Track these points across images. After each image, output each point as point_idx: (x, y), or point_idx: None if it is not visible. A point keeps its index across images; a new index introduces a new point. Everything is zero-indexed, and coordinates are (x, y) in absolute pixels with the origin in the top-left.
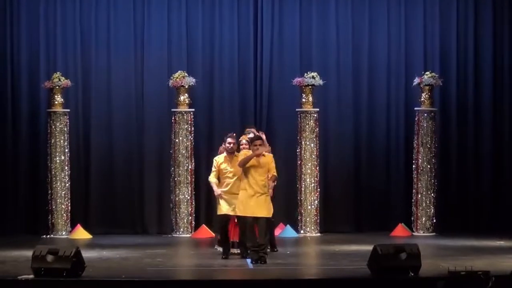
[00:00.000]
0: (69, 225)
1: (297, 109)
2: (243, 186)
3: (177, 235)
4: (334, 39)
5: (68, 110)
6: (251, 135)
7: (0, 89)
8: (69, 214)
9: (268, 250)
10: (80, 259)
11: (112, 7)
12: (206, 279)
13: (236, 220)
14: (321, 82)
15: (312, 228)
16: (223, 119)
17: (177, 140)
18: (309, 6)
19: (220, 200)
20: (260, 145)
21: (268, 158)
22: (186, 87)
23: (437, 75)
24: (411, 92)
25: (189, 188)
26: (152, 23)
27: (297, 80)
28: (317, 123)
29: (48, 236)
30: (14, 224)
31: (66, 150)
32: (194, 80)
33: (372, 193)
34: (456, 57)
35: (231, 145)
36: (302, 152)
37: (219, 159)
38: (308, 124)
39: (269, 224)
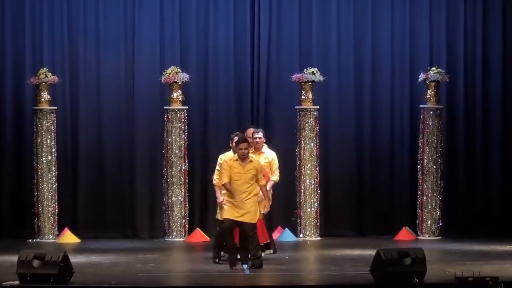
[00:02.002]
0: (56, 228)
1: (296, 107)
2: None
3: (170, 239)
4: (335, 32)
5: (55, 107)
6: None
7: None
8: (56, 217)
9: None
10: (68, 264)
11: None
12: (201, 286)
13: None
14: (321, 78)
15: (312, 231)
16: (218, 117)
17: (169, 140)
18: None
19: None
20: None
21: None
22: (179, 83)
23: (443, 71)
24: (416, 89)
25: (183, 190)
26: (143, 15)
27: (296, 76)
28: (317, 121)
29: (34, 240)
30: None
31: (53, 150)
32: (187, 76)
33: (375, 195)
34: (464, 52)
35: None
36: (302, 151)
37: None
38: (308, 122)
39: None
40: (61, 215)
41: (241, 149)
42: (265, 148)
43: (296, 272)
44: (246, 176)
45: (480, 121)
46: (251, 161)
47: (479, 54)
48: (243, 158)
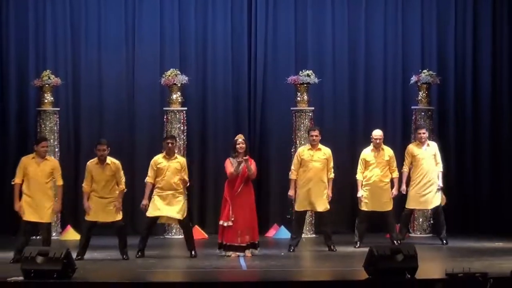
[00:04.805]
0: (59, 226)
1: (291, 108)
2: None
3: (169, 237)
4: (330, 36)
5: (58, 108)
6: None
7: None
8: (59, 215)
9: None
10: (70, 261)
11: (102, 2)
12: (199, 281)
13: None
14: (316, 80)
15: (307, 229)
16: (216, 118)
17: None
18: (305, 3)
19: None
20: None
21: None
22: (179, 85)
23: (434, 73)
24: (408, 91)
25: None
26: (143, 19)
27: (291, 78)
28: (312, 122)
29: (38, 237)
30: (3, 225)
31: (56, 150)
32: (186, 78)
33: None
34: (454, 55)
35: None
36: None
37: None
38: (303, 123)
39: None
40: (64, 213)
41: (99, 150)
42: (321, 145)
43: (292, 268)
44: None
45: (470, 121)
46: (107, 164)
47: (469, 57)
48: (101, 160)
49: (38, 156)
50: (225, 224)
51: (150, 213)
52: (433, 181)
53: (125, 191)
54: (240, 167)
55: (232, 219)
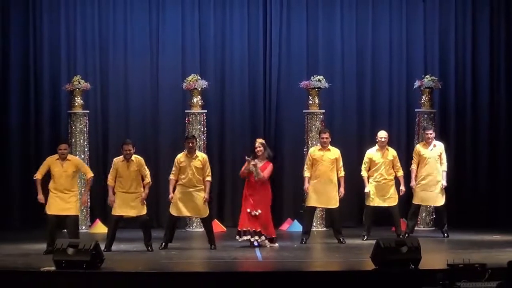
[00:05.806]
0: (88, 220)
1: (304, 111)
2: None
3: (191, 230)
4: (339, 44)
5: (88, 111)
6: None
7: (24, 92)
8: (89, 210)
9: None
10: (99, 252)
11: (129, 13)
12: (218, 271)
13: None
14: (326, 85)
15: (318, 223)
16: (234, 120)
17: None
18: (316, 13)
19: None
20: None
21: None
22: (199, 89)
23: (436, 79)
24: (412, 95)
25: None
26: (166, 29)
27: (304, 83)
28: (323, 124)
29: (64, 230)
30: (41, 220)
31: (86, 149)
32: (206, 83)
33: None
34: (455, 61)
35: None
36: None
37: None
38: (315, 124)
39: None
40: (93, 208)
41: (125, 150)
42: (330, 146)
43: (304, 259)
44: (130, 173)
45: (470, 123)
46: (132, 160)
47: (468, 64)
48: (127, 158)
49: (60, 158)
50: (253, 213)
51: (173, 211)
52: (438, 180)
53: (151, 184)
54: (251, 169)
55: (259, 211)
